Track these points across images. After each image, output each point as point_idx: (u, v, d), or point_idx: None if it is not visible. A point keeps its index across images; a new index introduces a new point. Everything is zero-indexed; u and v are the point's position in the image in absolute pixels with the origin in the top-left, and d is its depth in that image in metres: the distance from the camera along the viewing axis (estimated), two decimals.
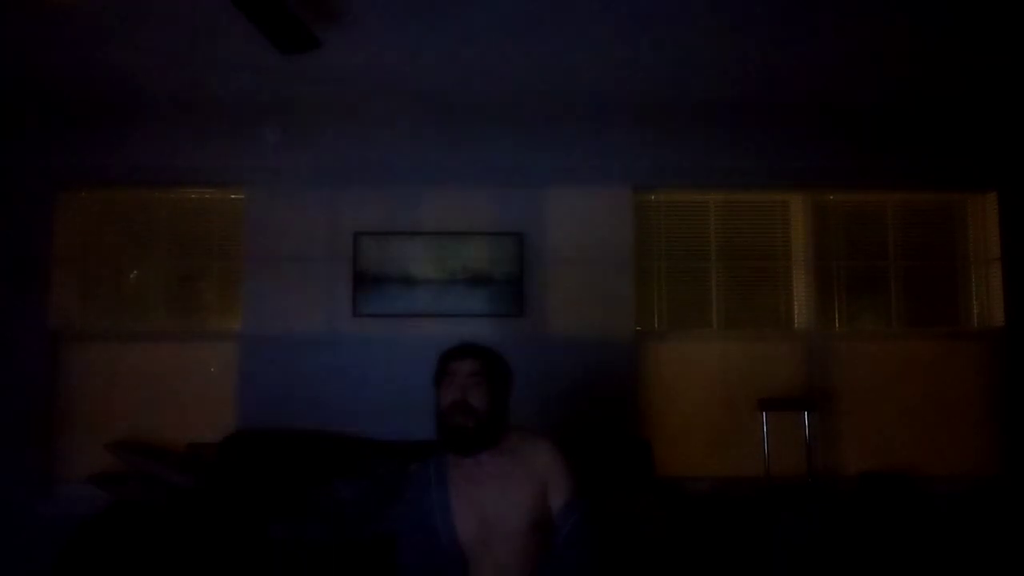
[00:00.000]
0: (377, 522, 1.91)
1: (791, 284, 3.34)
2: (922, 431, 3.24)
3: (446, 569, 1.75)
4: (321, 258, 3.17)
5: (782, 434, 3.09)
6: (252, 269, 3.17)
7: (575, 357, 3.14)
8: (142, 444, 3.02)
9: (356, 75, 2.97)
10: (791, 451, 3.09)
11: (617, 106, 3.25)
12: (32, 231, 3.14)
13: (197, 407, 3.14)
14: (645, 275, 3.30)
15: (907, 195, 3.37)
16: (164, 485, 2.76)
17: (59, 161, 3.17)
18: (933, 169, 3.30)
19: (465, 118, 3.25)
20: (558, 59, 2.83)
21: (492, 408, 1.81)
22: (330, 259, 3.17)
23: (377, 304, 3.14)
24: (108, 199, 3.28)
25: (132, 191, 3.26)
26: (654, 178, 3.27)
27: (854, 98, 3.23)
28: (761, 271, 3.34)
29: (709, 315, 3.31)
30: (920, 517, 3.05)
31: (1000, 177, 3.30)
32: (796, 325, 3.32)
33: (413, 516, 1.83)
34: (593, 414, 3.09)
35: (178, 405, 3.14)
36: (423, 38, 2.65)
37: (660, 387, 3.24)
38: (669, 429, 3.19)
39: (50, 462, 3.10)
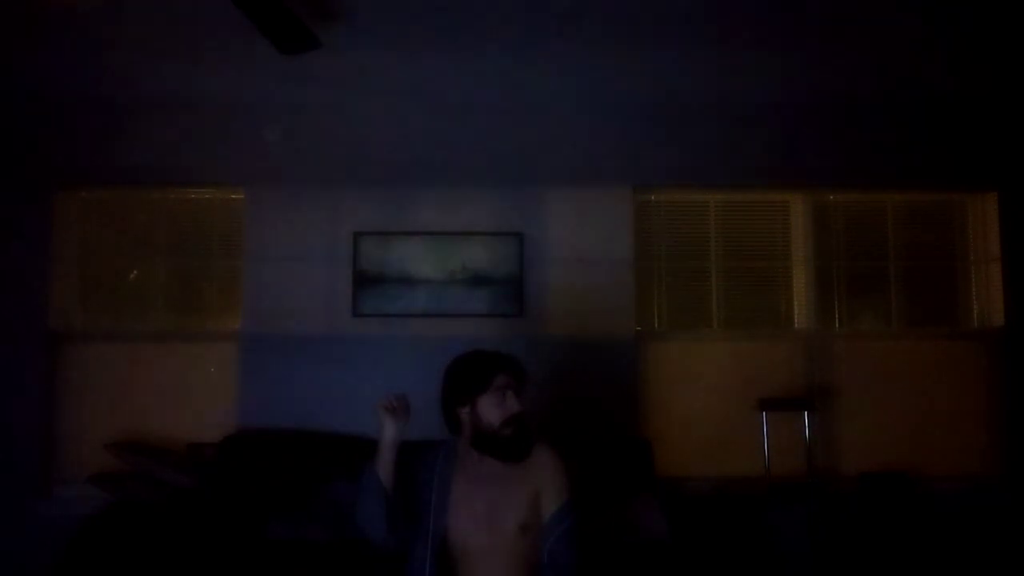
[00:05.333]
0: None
1: (791, 284, 3.34)
2: (922, 431, 3.24)
3: (427, 558, 1.77)
4: (321, 258, 3.17)
5: (782, 434, 3.09)
6: (252, 269, 3.17)
7: (575, 357, 3.14)
8: (142, 444, 3.02)
9: (356, 75, 2.97)
10: (791, 451, 3.09)
11: (617, 106, 3.25)
12: (32, 231, 3.14)
13: (197, 407, 3.14)
14: (645, 275, 3.30)
15: (907, 195, 3.37)
16: (164, 485, 2.76)
17: (59, 161, 3.17)
18: (933, 169, 3.30)
19: (465, 118, 3.25)
20: (558, 60, 2.83)
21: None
22: (330, 259, 3.17)
23: (377, 304, 3.14)
24: (108, 199, 3.28)
25: (132, 191, 3.26)
26: (654, 178, 3.27)
27: (854, 98, 3.23)
28: (761, 271, 3.34)
29: (709, 315, 3.31)
30: (920, 517, 3.05)
31: (1000, 177, 3.30)
32: (796, 325, 3.31)
33: (413, 493, 1.85)
34: (593, 414, 3.09)
35: (178, 405, 3.14)
36: (423, 38, 2.65)
37: (660, 387, 3.24)
38: (669, 429, 3.19)
39: (50, 462, 3.10)
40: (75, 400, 3.14)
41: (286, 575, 2.35)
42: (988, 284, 3.34)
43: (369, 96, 3.17)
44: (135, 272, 3.27)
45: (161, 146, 3.19)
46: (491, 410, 1.82)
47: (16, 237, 3.13)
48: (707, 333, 3.30)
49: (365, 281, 3.14)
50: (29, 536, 2.96)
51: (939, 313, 3.34)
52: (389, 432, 1.81)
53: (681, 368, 3.26)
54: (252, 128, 3.20)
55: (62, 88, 3.08)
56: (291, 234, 3.18)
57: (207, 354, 3.18)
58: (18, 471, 3.04)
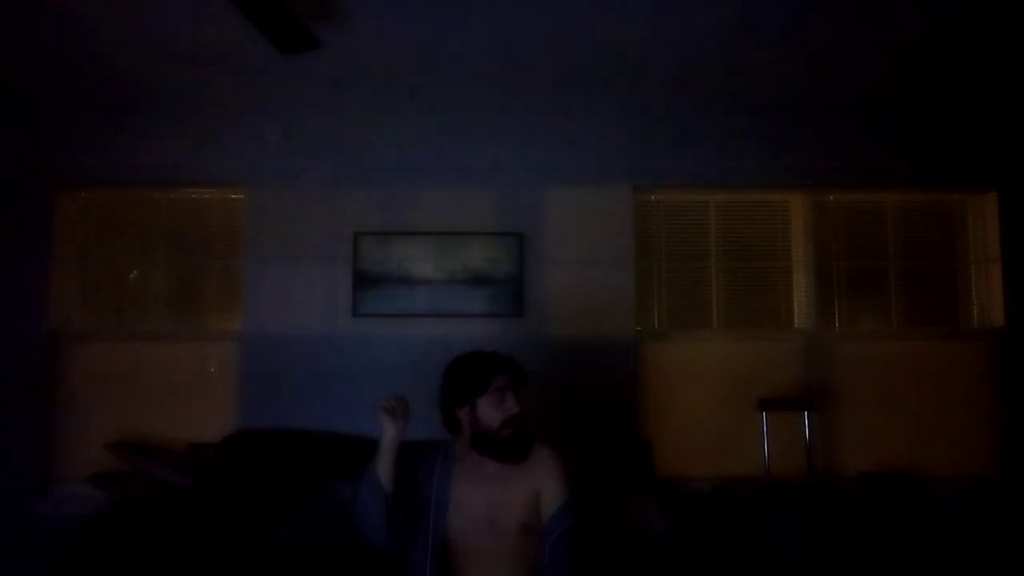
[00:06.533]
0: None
1: (791, 284, 3.34)
2: (922, 431, 3.24)
3: (427, 558, 1.78)
4: (321, 258, 3.17)
5: (782, 434, 3.09)
6: (252, 269, 3.17)
7: (575, 357, 3.14)
8: (142, 444, 3.02)
9: (356, 74, 2.97)
10: (791, 451, 3.09)
11: (617, 106, 3.25)
12: (32, 231, 3.14)
13: (197, 407, 3.14)
14: (645, 275, 3.30)
15: (907, 195, 3.37)
16: (164, 485, 2.76)
17: (59, 161, 3.17)
18: (933, 169, 3.30)
19: (465, 118, 3.25)
20: (557, 59, 2.83)
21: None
22: (330, 259, 3.17)
23: (377, 304, 3.14)
24: (108, 199, 3.28)
25: (132, 191, 3.26)
26: (654, 178, 3.27)
27: (854, 98, 3.23)
28: (761, 271, 3.34)
29: (709, 315, 3.31)
30: (920, 517, 3.05)
31: (1000, 177, 3.30)
32: (796, 325, 3.31)
33: (413, 494, 1.85)
34: (593, 414, 3.09)
35: (178, 405, 3.14)
36: (423, 38, 2.65)
37: (660, 387, 3.24)
38: (669, 429, 3.19)
39: (50, 462, 3.10)
40: (75, 400, 3.14)
41: (286, 575, 2.35)
42: (988, 284, 3.34)
43: (369, 95, 3.17)
44: (135, 272, 3.27)
45: (161, 146, 3.19)
46: (490, 411, 1.82)
47: (16, 237, 3.13)
48: (707, 333, 3.30)
49: (365, 281, 3.14)
50: (29, 536, 2.96)
51: (939, 313, 3.35)
52: (388, 434, 1.81)
53: (681, 368, 3.26)
54: (252, 128, 3.20)
55: (62, 87, 3.08)
56: (291, 234, 3.18)
57: (207, 354, 3.18)
58: (18, 471, 3.04)
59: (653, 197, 3.34)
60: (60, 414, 3.13)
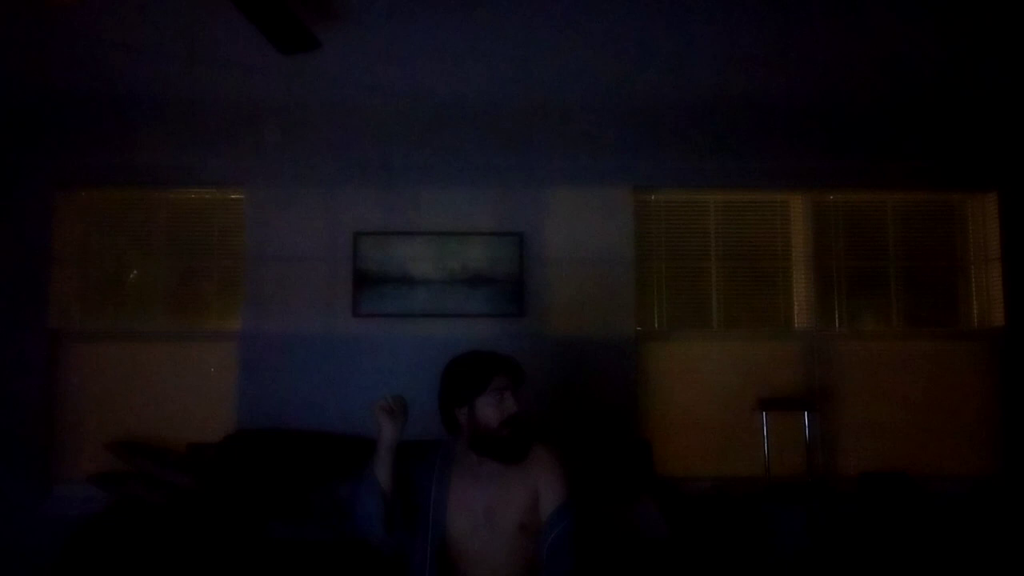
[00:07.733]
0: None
1: (791, 284, 3.34)
2: (922, 431, 3.24)
3: (426, 558, 1.78)
4: (321, 258, 3.17)
5: (782, 434, 3.09)
6: (252, 269, 3.17)
7: (575, 357, 3.14)
8: (142, 444, 3.02)
9: (356, 75, 2.97)
10: (791, 451, 3.09)
11: (617, 106, 3.25)
12: (32, 231, 3.14)
13: (197, 407, 3.14)
14: (645, 275, 3.30)
15: (907, 195, 3.37)
16: (164, 485, 2.76)
17: (59, 161, 3.17)
18: (933, 169, 3.30)
19: (465, 118, 3.25)
20: (558, 59, 2.83)
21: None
22: (330, 259, 3.17)
23: (377, 304, 3.14)
24: (108, 199, 3.28)
25: (132, 191, 3.26)
26: (654, 178, 3.27)
27: (854, 98, 3.23)
28: (761, 271, 3.34)
29: (709, 315, 3.31)
30: (920, 517, 3.05)
31: (1000, 177, 3.30)
32: (796, 325, 3.31)
33: (412, 493, 1.85)
34: (593, 414, 3.09)
35: (178, 405, 3.14)
36: (422, 39, 2.65)
37: (660, 387, 3.24)
38: (669, 429, 3.19)
39: (50, 462, 3.10)
40: (75, 400, 3.14)
41: (286, 575, 2.35)
42: (988, 284, 3.34)
43: (369, 95, 3.17)
44: (135, 272, 3.27)
45: (161, 146, 3.19)
46: (489, 411, 1.83)
47: (16, 237, 3.13)
48: (707, 333, 3.30)
49: (365, 281, 3.15)
50: (29, 536, 2.96)
51: (939, 313, 3.34)
52: (387, 434, 1.81)
53: (681, 368, 3.26)
54: (252, 128, 3.20)
55: (62, 88, 3.08)
56: (291, 234, 3.18)
57: (207, 354, 3.18)
58: (18, 471, 3.04)
59: (653, 197, 3.33)
60: (60, 414, 3.13)
